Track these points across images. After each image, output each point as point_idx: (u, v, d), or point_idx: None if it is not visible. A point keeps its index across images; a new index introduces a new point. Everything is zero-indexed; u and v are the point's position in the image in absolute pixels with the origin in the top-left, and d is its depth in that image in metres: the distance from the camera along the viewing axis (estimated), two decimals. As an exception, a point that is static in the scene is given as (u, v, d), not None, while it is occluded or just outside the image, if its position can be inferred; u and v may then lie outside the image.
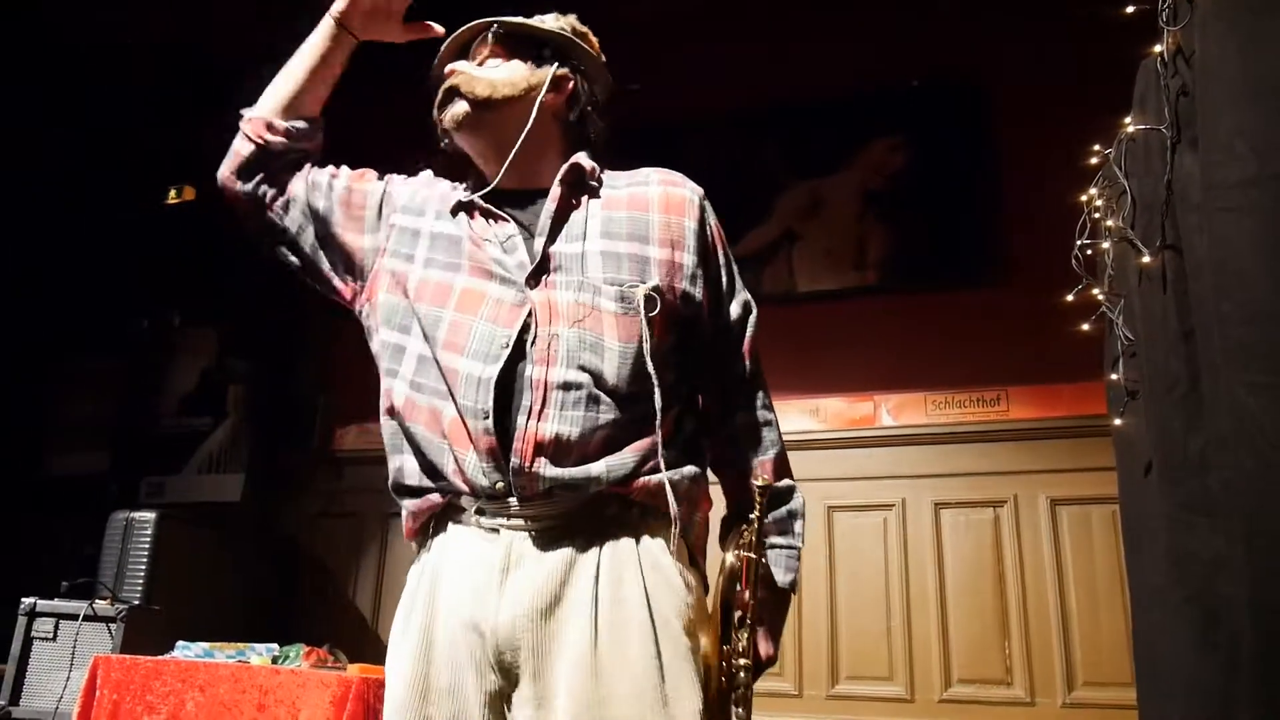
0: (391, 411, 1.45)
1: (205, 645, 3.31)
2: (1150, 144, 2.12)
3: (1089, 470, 3.53)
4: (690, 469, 1.42)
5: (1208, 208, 1.71)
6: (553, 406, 1.33)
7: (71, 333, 5.30)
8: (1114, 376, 2.51)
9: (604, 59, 1.68)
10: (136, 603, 3.66)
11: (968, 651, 3.57)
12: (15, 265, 5.22)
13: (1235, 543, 1.67)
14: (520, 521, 1.34)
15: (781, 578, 1.49)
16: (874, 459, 3.92)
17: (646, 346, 1.38)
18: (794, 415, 4.02)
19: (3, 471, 5.07)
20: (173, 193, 5.32)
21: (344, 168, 1.64)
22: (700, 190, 1.58)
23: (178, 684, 3.04)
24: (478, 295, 1.43)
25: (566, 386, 1.35)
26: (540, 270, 1.43)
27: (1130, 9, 2.08)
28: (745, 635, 1.36)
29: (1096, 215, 2.56)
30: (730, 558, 1.39)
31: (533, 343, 1.37)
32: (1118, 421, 2.50)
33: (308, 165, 1.62)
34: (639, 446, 1.36)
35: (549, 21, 1.64)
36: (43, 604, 3.62)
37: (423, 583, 1.40)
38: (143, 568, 3.76)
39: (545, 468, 1.31)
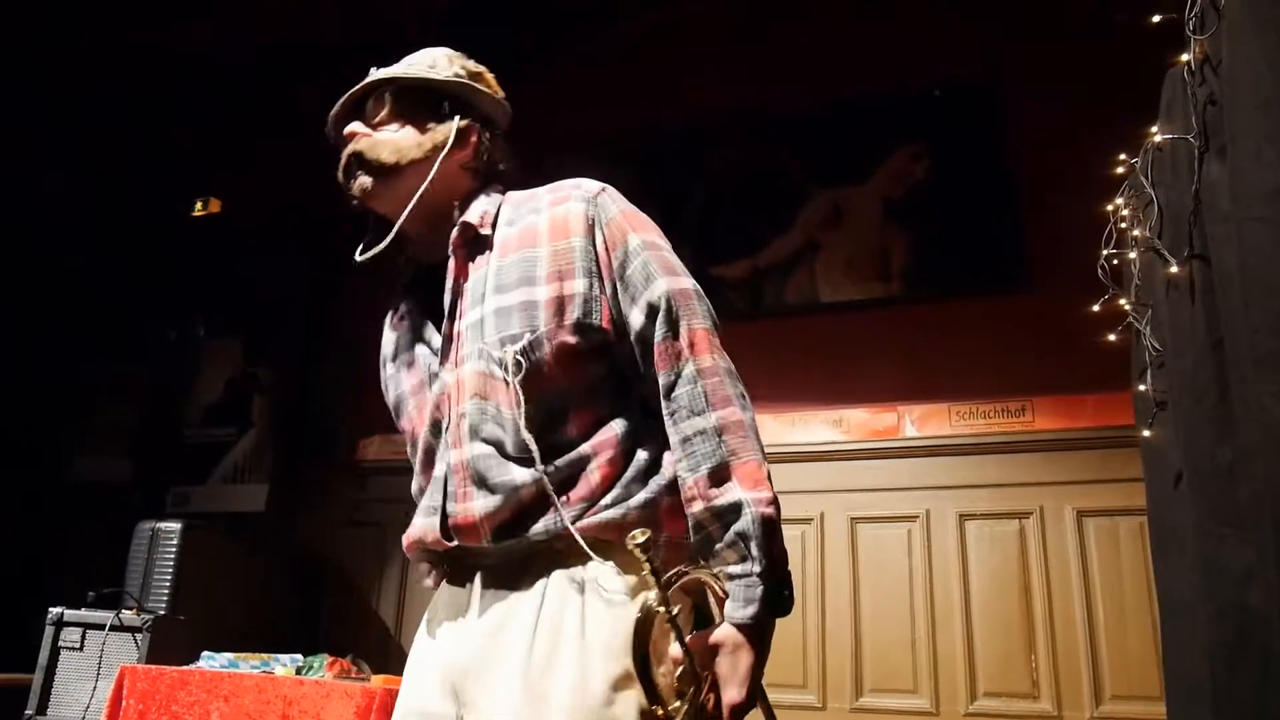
0: None
1: (230, 655, 3.33)
2: (1177, 153, 2.11)
3: (1116, 481, 3.50)
4: (640, 497, 1.33)
5: (1236, 217, 1.70)
6: (473, 485, 1.35)
7: (99, 343, 5.36)
8: (1142, 387, 2.49)
9: (501, 94, 1.62)
10: (162, 612, 3.68)
11: (993, 664, 3.54)
12: (43, 276, 5.28)
13: (1266, 555, 1.65)
14: (481, 562, 1.39)
15: (739, 613, 1.26)
16: (898, 470, 3.90)
17: (520, 412, 1.32)
18: (817, 426, 4.01)
19: (31, 481, 5.12)
20: (199, 204, 5.37)
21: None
22: (593, 190, 1.46)
23: (203, 694, 3.06)
24: (420, 403, 1.48)
25: (478, 463, 1.35)
26: (447, 350, 1.44)
27: (1156, 17, 2.06)
28: (690, 692, 1.25)
29: (1123, 225, 2.54)
30: (639, 610, 1.26)
31: (446, 427, 1.40)
32: (1146, 433, 2.48)
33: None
34: (573, 498, 1.32)
35: (442, 65, 1.56)
36: (70, 613, 3.66)
37: (430, 614, 1.49)
38: (168, 578, 3.79)
39: (484, 543, 1.35)
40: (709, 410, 1.33)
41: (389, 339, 1.61)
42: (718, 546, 1.30)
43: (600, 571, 1.31)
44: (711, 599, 1.35)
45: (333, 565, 4.62)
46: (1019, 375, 3.80)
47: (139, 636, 3.53)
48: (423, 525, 1.41)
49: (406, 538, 1.45)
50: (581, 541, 1.29)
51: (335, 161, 1.54)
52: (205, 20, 4.91)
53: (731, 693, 1.26)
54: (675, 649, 1.25)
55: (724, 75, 4.56)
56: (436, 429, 1.43)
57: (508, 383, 1.34)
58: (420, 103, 1.52)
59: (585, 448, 1.34)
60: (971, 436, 3.82)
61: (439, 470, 1.41)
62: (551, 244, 1.41)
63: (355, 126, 1.51)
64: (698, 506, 1.30)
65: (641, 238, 1.41)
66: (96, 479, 5.21)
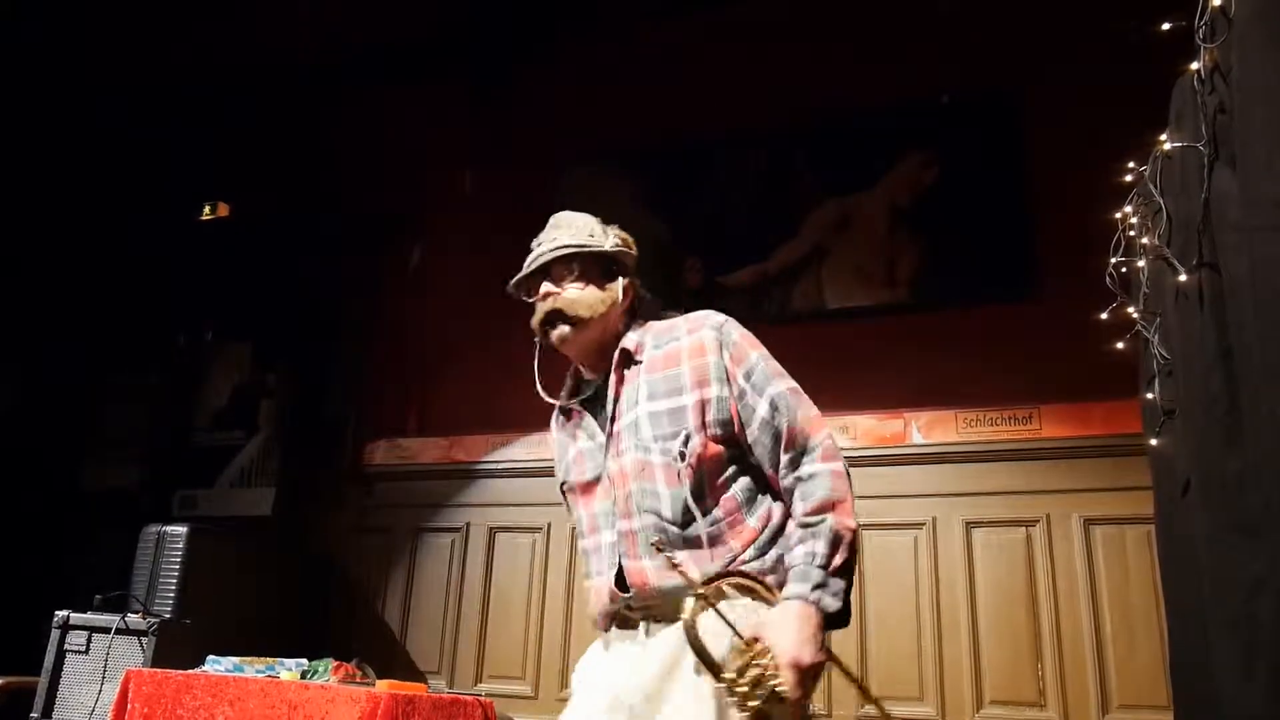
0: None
1: (235, 660, 3.32)
2: (1187, 162, 2.10)
3: (1123, 490, 3.50)
4: (773, 554, 1.72)
5: (1247, 226, 1.69)
6: (639, 547, 1.76)
7: (108, 348, 5.36)
8: (1150, 395, 2.48)
9: (635, 252, 2.05)
10: (168, 616, 3.68)
11: (1000, 673, 3.53)
12: (53, 281, 5.29)
13: (1275, 564, 1.65)
14: (646, 611, 1.77)
15: (794, 588, 1.62)
16: (905, 477, 3.89)
17: (687, 488, 1.75)
18: (824, 433, 4.00)
19: (39, 485, 5.13)
20: (207, 209, 5.38)
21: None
22: (719, 321, 1.89)
23: (208, 698, 3.06)
24: (591, 486, 1.90)
25: (643, 530, 1.75)
26: (609, 446, 1.87)
27: (1166, 26, 2.06)
28: (743, 659, 1.54)
29: (1132, 233, 2.54)
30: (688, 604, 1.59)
31: (615, 503, 1.82)
32: (1154, 441, 2.47)
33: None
34: (718, 554, 1.71)
35: (600, 235, 1.98)
36: (76, 617, 3.65)
37: (598, 649, 1.87)
38: (174, 581, 3.79)
39: (647, 590, 1.73)
40: (825, 458, 1.76)
41: (559, 438, 2.05)
42: (795, 545, 1.68)
43: (742, 613, 1.64)
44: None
45: (338, 569, 4.62)
46: (1026, 383, 3.80)
47: (144, 640, 3.53)
48: (600, 584, 1.83)
49: (596, 597, 1.85)
50: (767, 584, 1.69)
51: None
52: (210, 25, 4.93)
53: (788, 653, 1.54)
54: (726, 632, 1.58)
55: (734, 82, 4.56)
56: (606, 506, 1.84)
57: (669, 466, 1.77)
58: (595, 266, 1.96)
59: (720, 514, 1.75)
60: (979, 444, 3.81)
61: (608, 538, 1.82)
62: (691, 361, 1.84)
63: (549, 287, 1.94)
64: (798, 520, 1.70)
65: (757, 353, 1.86)
66: (104, 483, 5.21)
